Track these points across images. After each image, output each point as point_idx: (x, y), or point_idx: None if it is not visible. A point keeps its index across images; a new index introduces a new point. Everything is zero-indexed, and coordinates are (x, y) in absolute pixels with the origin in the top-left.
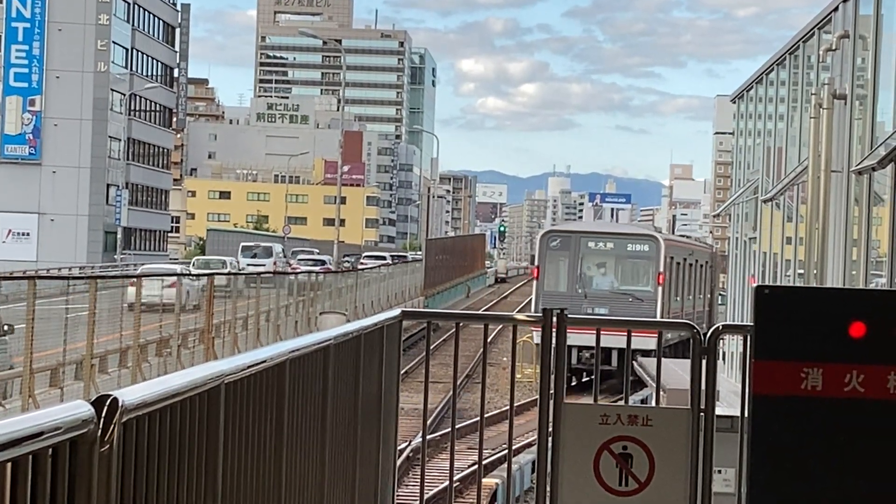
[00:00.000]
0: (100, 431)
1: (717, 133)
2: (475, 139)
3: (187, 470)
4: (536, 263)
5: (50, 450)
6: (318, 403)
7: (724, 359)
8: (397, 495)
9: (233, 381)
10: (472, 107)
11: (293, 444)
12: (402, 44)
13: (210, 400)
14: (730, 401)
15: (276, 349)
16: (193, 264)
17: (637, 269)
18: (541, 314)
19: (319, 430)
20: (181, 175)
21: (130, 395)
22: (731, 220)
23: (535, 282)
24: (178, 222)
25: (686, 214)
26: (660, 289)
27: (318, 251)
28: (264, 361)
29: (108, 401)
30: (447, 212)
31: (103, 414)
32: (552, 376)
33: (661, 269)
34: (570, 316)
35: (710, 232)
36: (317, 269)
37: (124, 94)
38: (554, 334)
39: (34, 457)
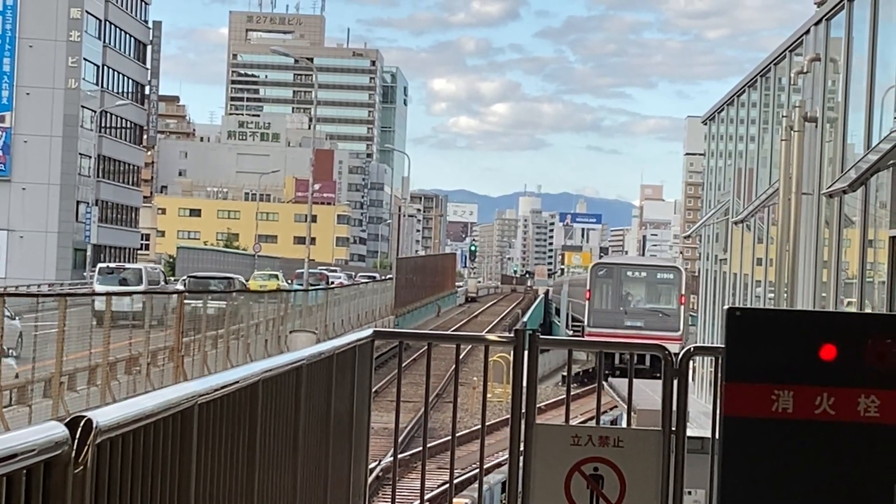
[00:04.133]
0: (74, 452)
1: (687, 154)
2: (446, 158)
3: (160, 491)
4: (588, 288)
5: (24, 471)
6: (290, 423)
7: (694, 380)
8: None
9: (206, 401)
10: (443, 126)
11: (265, 464)
12: (373, 62)
13: (184, 420)
14: (700, 422)
15: (249, 369)
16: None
17: (664, 292)
18: (513, 335)
19: (291, 450)
20: (151, 192)
21: (104, 415)
22: (701, 241)
23: (586, 302)
24: (147, 240)
25: (656, 235)
26: (681, 307)
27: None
28: (237, 382)
29: (83, 422)
30: (418, 231)
31: (77, 435)
32: (524, 397)
33: (683, 292)
34: (542, 337)
35: (681, 252)
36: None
37: (95, 111)
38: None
39: (8, 478)
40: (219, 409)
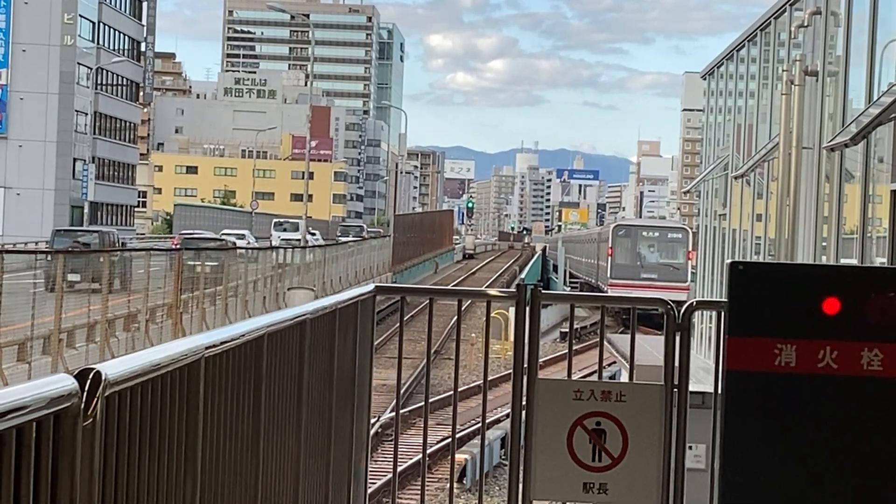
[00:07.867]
0: (83, 405)
1: (685, 110)
2: (443, 115)
3: (168, 443)
4: (610, 245)
5: (34, 423)
6: (294, 377)
7: (693, 335)
8: (370, 469)
9: (212, 354)
10: (440, 82)
11: (270, 417)
12: (370, 18)
13: (191, 374)
14: (700, 377)
15: (254, 323)
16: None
17: (674, 248)
18: (515, 290)
19: (295, 404)
20: (148, 149)
21: (113, 368)
22: (701, 196)
23: (609, 257)
24: (144, 197)
25: (654, 191)
26: (688, 262)
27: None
28: (243, 335)
29: (92, 374)
30: (415, 187)
31: (86, 387)
32: (526, 351)
33: (690, 249)
34: (544, 292)
35: (678, 208)
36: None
37: (91, 68)
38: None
39: (18, 430)
40: (225, 362)
